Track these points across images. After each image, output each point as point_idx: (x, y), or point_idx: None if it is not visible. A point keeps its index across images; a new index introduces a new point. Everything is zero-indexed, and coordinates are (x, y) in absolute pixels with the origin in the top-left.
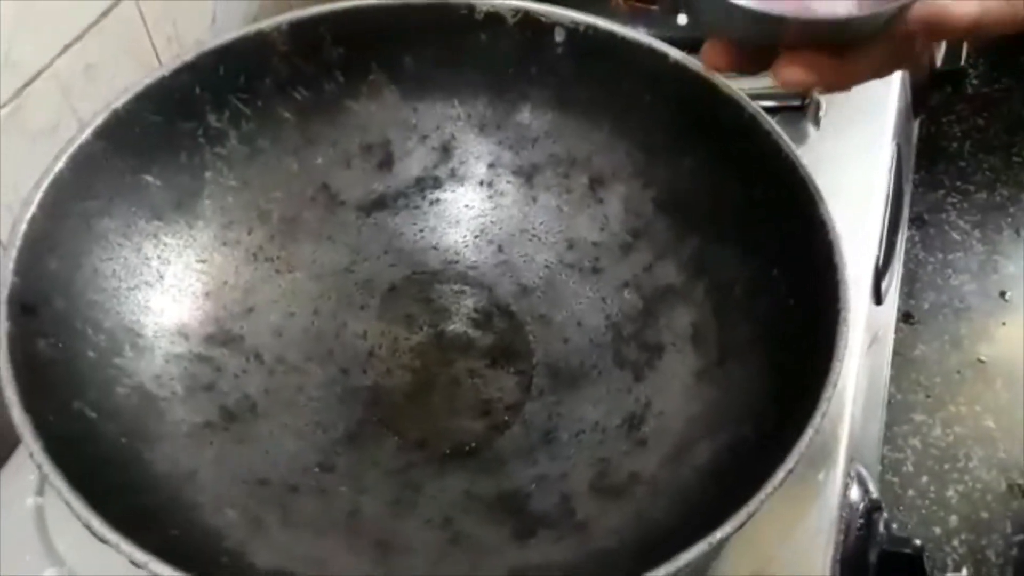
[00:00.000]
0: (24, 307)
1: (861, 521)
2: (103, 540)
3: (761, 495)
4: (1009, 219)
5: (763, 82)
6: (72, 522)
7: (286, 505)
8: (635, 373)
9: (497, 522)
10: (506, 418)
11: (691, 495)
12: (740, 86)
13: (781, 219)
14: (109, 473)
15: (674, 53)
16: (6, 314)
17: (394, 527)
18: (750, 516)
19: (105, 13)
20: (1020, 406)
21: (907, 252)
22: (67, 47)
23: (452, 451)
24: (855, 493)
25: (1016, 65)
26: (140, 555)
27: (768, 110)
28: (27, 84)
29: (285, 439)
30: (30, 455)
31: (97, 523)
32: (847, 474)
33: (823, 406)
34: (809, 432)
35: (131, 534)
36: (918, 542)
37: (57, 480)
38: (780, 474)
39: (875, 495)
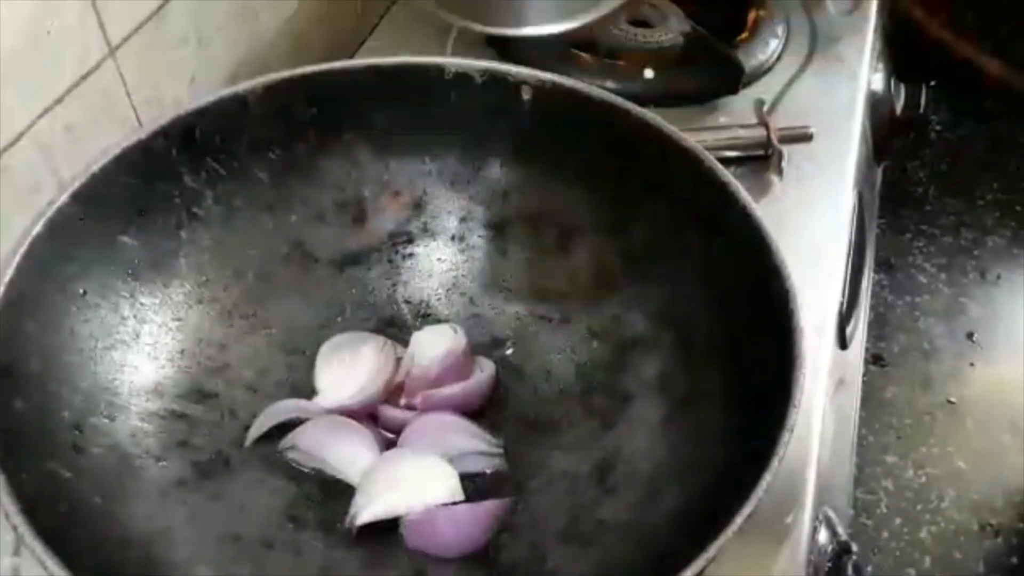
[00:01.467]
0: (1, 368)
1: (830, 564)
2: None
3: (720, 539)
4: (974, 262)
5: (727, 134)
6: None
7: (260, 561)
8: (604, 421)
9: (468, 573)
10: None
11: (657, 541)
12: (703, 138)
13: (740, 269)
14: (84, 532)
15: (636, 109)
16: None
17: None
18: (709, 561)
19: (85, 76)
20: (991, 446)
21: (875, 295)
22: (48, 109)
23: None
24: (823, 536)
25: (979, 110)
26: None
27: (731, 160)
28: (9, 145)
29: (259, 495)
30: (5, 515)
31: None
32: (815, 517)
33: (780, 451)
34: (767, 477)
35: None
36: None
37: (33, 540)
38: (738, 519)
39: (844, 537)
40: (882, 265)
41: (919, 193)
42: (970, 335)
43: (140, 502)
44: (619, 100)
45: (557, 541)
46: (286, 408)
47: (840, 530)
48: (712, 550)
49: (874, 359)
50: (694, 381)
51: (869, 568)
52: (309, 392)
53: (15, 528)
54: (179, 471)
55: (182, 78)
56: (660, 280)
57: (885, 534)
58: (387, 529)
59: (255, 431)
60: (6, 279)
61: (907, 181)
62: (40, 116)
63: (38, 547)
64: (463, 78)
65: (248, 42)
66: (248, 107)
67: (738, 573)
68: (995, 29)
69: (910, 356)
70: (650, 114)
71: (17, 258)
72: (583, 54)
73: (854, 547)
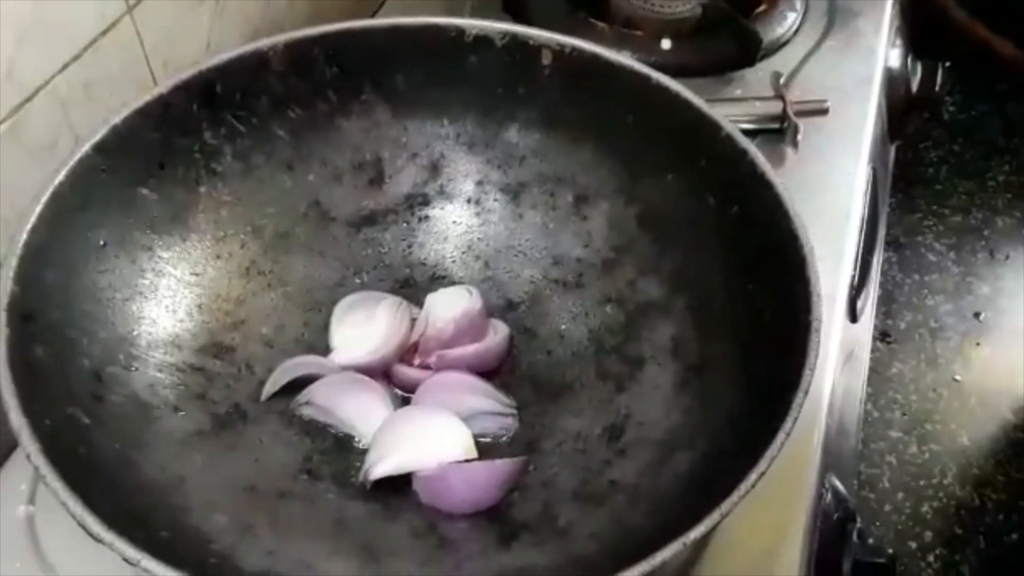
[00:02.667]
0: (22, 315)
1: (835, 530)
2: (97, 539)
3: (734, 497)
4: (983, 242)
5: (743, 106)
6: (62, 530)
7: (274, 511)
8: (616, 385)
9: (481, 529)
10: None
11: (669, 500)
12: (719, 109)
13: (757, 235)
14: (102, 476)
15: (656, 75)
16: (5, 321)
17: (380, 533)
18: (724, 516)
19: (103, 33)
20: (994, 424)
21: (884, 273)
22: (66, 65)
23: None
24: (829, 503)
25: (991, 92)
26: (133, 552)
27: (748, 132)
28: (27, 100)
29: (274, 447)
30: (27, 456)
31: (92, 522)
32: (821, 485)
33: (795, 412)
34: (781, 437)
35: (123, 534)
36: (891, 551)
37: (54, 481)
38: (753, 476)
39: (849, 506)
40: (892, 243)
41: (930, 173)
42: (977, 314)
43: (158, 450)
44: (640, 66)
45: (569, 500)
46: (302, 364)
47: (846, 498)
48: (727, 506)
49: (881, 336)
50: (708, 346)
51: (870, 540)
52: (324, 349)
53: (37, 468)
54: (196, 422)
55: (199, 39)
56: (675, 246)
57: (887, 507)
58: (400, 483)
59: (271, 386)
60: (28, 225)
61: (919, 161)
62: (58, 72)
63: (58, 488)
64: (483, 41)
65: (265, 5)
66: (269, 64)
67: (746, 537)
68: (1011, 11)
69: (917, 333)
70: (670, 80)
71: (39, 206)
72: (600, 23)
73: (857, 515)
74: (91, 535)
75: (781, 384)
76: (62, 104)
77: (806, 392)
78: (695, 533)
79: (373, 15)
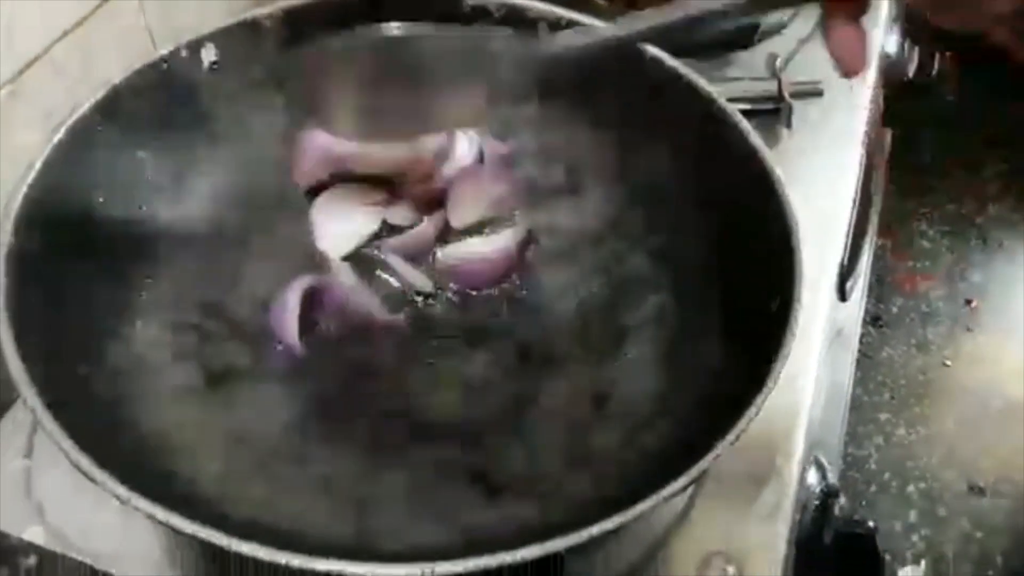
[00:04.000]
0: (21, 266)
1: (817, 504)
2: (91, 479)
3: (710, 456)
4: (976, 230)
5: (738, 86)
6: (56, 482)
7: (265, 464)
8: (603, 354)
9: (466, 487)
10: (480, 395)
11: (649, 463)
12: (716, 88)
13: (745, 207)
14: (98, 424)
15: (651, 50)
16: (4, 271)
17: (369, 488)
18: (702, 472)
19: (104, 1)
20: (982, 409)
21: (877, 258)
22: (66, 33)
23: (427, 423)
24: (812, 478)
25: (987, 80)
26: (123, 491)
27: (743, 112)
28: (26, 67)
29: (267, 405)
30: (24, 401)
31: (86, 463)
32: (805, 460)
33: (772, 381)
34: (759, 400)
35: (116, 475)
36: (871, 523)
37: (49, 423)
38: (730, 436)
39: (832, 481)
40: (885, 228)
41: (925, 160)
42: (968, 301)
43: (152, 403)
44: None
45: (552, 461)
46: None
47: (829, 474)
48: (705, 462)
49: (873, 320)
50: (692, 318)
51: (856, 518)
52: None
53: (34, 411)
54: (191, 378)
55: (200, 13)
56: (665, 219)
57: (873, 488)
58: (390, 441)
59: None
60: (28, 180)
61: (915, 149)
62: (57, 40)
63: (54, 429)
64: (481, 11)
65: None
66: (267, 32)
67: (729, 509)
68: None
69: (908, 318)
70: (666, 56)
71: (39, 162)
72: (601, 0)
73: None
74: (84, 474)
75: (761, 355)
76: (60, 72)
77: (785, 359)
78: (670, 490)
79: None
